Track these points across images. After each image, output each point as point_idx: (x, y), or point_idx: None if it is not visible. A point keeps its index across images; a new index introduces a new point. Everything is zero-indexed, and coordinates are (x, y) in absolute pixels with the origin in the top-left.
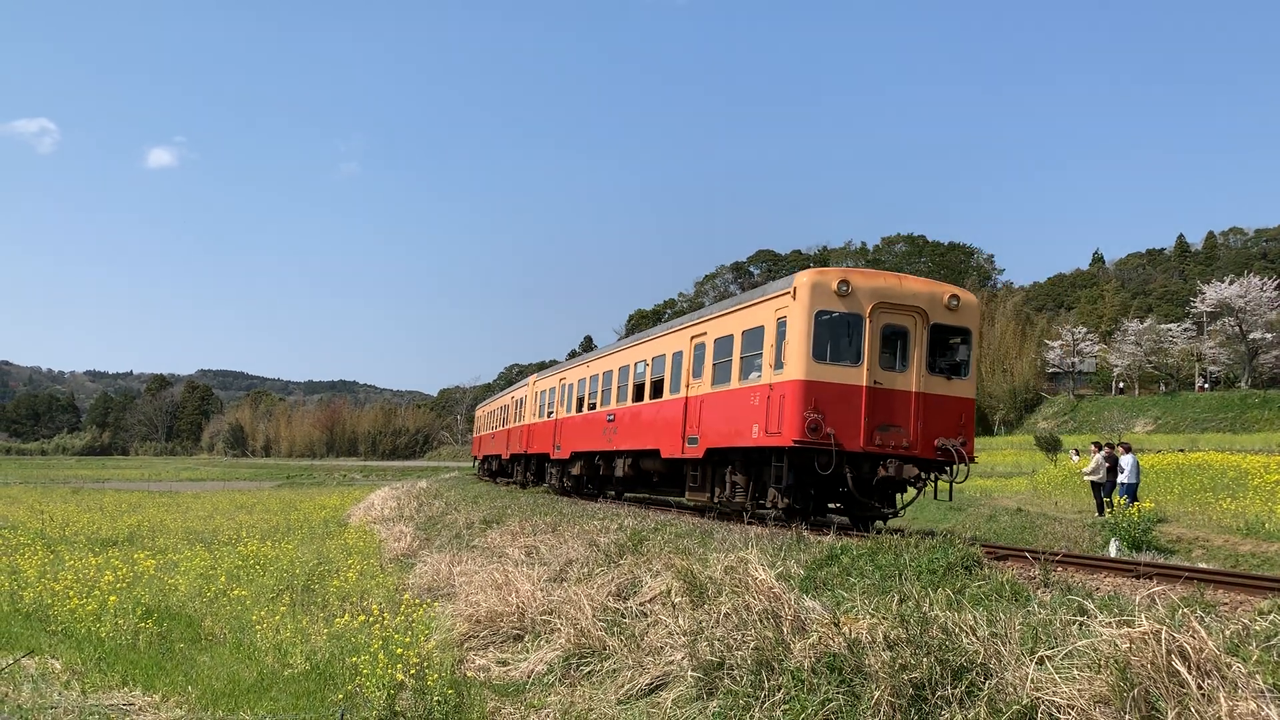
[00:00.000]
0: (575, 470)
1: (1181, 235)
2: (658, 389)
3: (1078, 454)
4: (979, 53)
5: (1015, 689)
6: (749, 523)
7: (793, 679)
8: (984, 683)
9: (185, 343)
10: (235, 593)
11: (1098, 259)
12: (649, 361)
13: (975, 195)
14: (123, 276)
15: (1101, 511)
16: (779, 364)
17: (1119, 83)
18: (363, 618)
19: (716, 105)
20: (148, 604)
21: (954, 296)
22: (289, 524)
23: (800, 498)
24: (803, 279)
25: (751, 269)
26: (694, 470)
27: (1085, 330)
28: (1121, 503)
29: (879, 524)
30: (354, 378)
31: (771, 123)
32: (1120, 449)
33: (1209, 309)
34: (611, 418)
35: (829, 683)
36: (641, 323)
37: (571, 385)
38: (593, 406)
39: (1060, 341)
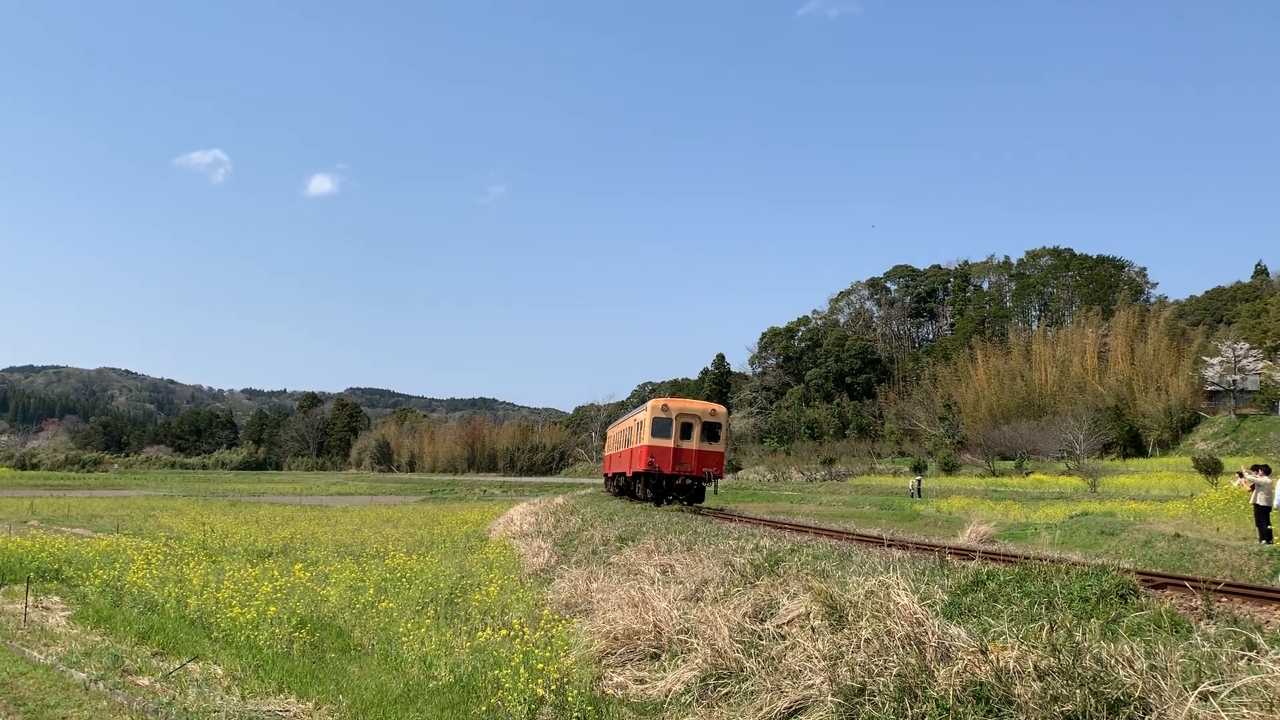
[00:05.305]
0: (617, 483)
1: None
2: (630, 440)
3: (1242, 476)
4: (1131, 51)
5: None
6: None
7: (937, 707)
8: (1143, 718)
9: (335, 362)
10: (383, 605)
11: (1261, 271)
12: (628, 427)
13: (1127, 205)
14: (278, 299)
15: (1266, 538)
16: (642, 439)
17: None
18: (504, 632)
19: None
20: (301, 614)
21: (714, 410)
22: (432, 538)
23: (655, 493)
24: (649, 404)
25: (888, 284)
26: (632, 483)
27: (1248, 346)
28: None
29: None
30: (494, 395)
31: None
32: (1259, 472)
33: None
34: (620, 454)
35: (975, 712)
36: (774, 340)
37: (615, 433)
38: (617, 447)
39: (1220, 358)
